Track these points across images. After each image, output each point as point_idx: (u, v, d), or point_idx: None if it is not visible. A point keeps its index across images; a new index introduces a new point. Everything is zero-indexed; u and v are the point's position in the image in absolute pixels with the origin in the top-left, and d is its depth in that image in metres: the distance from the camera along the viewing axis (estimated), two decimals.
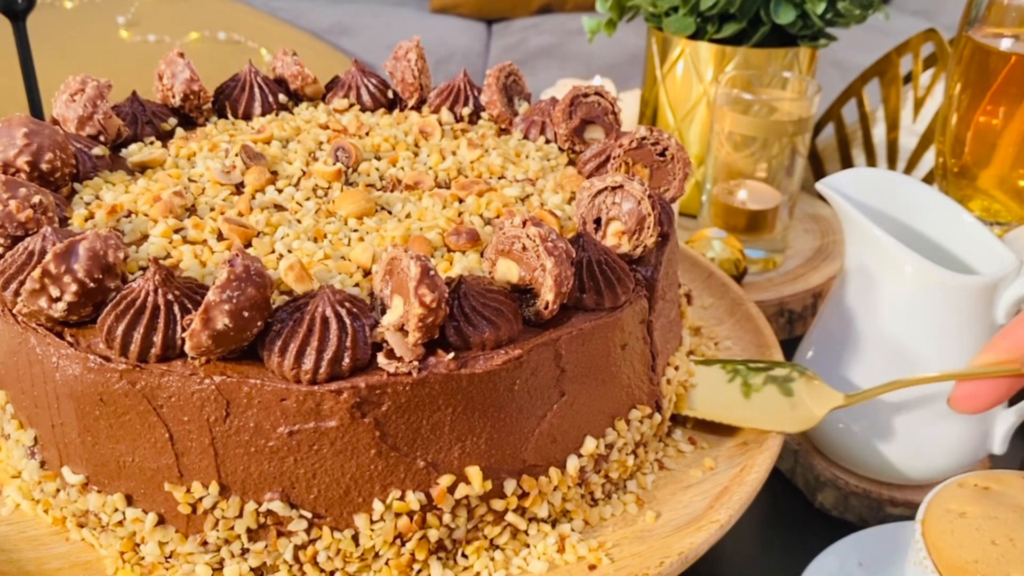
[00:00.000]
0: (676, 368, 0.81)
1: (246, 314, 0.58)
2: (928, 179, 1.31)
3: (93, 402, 0.63)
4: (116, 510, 0.65)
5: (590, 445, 0.71)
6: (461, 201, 0.81)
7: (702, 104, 1.28)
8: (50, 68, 1.13)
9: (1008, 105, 0.93)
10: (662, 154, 0.82)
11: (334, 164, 0.82)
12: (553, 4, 2.94)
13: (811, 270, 1.23)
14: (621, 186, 0.73)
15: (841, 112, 1.44)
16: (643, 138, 0.81)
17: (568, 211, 0.80)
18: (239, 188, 0.79)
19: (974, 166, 0.98)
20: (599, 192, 0.74)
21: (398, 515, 0.64)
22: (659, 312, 0.77)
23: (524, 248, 0.65)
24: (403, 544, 0.65)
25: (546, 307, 0.65)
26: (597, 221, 0.75)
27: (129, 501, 0.65)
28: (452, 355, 0.62)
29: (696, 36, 1.23)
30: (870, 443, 0.85)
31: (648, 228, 0.72)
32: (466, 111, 0.97)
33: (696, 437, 0.81)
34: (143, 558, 0.66)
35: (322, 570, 0.65)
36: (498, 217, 0.78)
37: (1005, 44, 0.92)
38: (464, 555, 0.68)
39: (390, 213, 0.78)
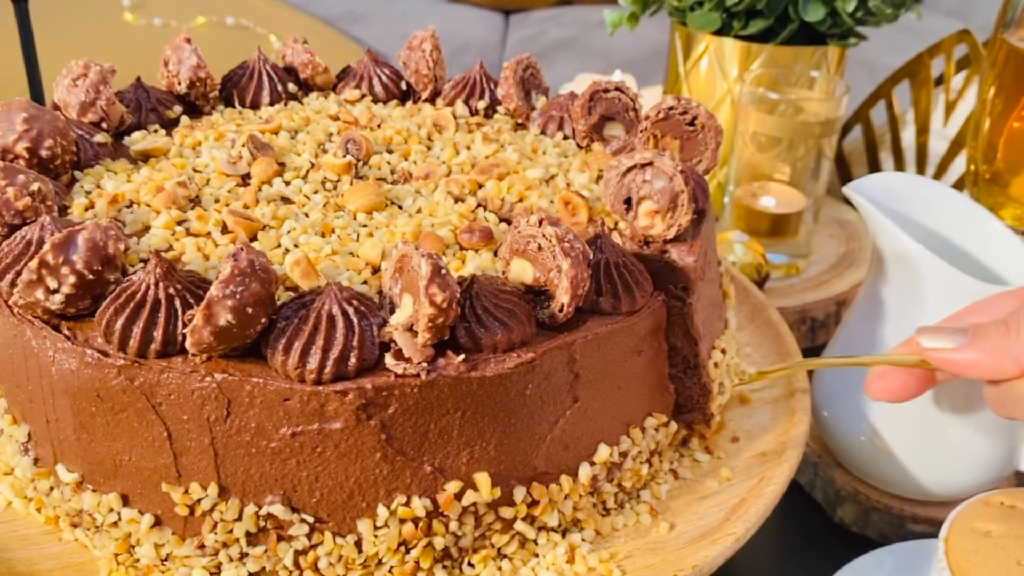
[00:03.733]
0: (723, 352, 0.80)
1: (250, 310, 0.58)
2: (958, 185, 1.30)
3: (90, 398, 0.62)
4: (111, 510, 0.65)
5: (603, 453, 0.70)
6: (481, 186, 0.79)
7: (726, 103, 1.27)
8: (52, 52, 1.12)
9: None
10: (691, 124, 0.79)
11: (344, 156, 0.82)
12: None
13: (835, 277, 1.22)
14: (651, 163, 0.70)
15: (869, 114, 1.43)
16: (670, 108, 0.79)
17: (596, 191, 0.78)
18: (245, 179, 0.79)
19: (1007, 173, 0.97)
20: (628, 170, 0.71)
21: (403, 521, 0.63)
22: (700, 294, 0.74)
23: (540, 248, 0.64)
24: (407, 551, 0.64)
25: (561, 309, 0.64)
26: (627, 201, 0.72)
27: (125, 501, 0.65)
28: (462, 357, 0.61)
29: (721, 32, 1.23)
30: (892, 457, 0.84)
31: (682, 206, 0.70)
32: (482, 104, 0.96)
33: (713, 447, 0.80)
34: (138, 560, 0.65)
35: None
36: (520, 201, 0.77)
37: None
38: (470, 564, 0.67)
39: (401, 208, 0.77)
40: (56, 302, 0.61)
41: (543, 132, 0.93)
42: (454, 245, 0.72)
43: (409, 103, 0.98)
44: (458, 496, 0.64)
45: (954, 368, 0.64)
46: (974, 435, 0.82)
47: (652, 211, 0.71)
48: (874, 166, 1.45)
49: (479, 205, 0.78)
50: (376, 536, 0.63)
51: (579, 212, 0.75)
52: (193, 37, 0.94)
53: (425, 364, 0.60)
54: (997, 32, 0.96)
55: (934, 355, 0.64)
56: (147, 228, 0.71)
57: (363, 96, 0.98)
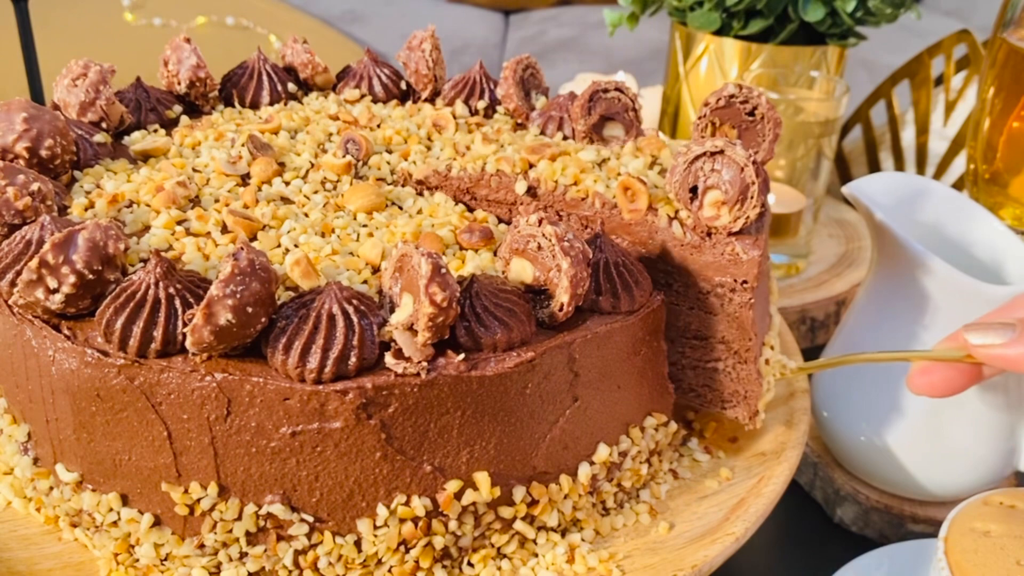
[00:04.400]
0: (772, 347, 0.79)
1: (250, 310, 0.57)
2: (958, 185, 1.30)
3: (89, 398, 0.62)
4: (111, 510, 0.65)
5: (603, 453, 0.70)
6: (532, 166, 0.78)
7: None
8: (52, 51, 1.12)
9: None
10: (751, 113, 0.78)
11: (344, 156, 0.82)
12: None
13: (835, 277, 1.22)
14: (722, 151, 0.68)
15: (869, 114, 1.43)
16: (731, 96, 0.78)
17: (652, 178, 0.76)
18: (245, 179, 0.79)
19: (1006, 173, 0.97)
20: (697, 157, 0.69)
21: (403, 521, 0.63)
22: (759, 292, 0.73)
23: (539, 247, 0.64)
24: (407, 551, 0.64)
25: (561, 309, 0.64)
26: (693, 190, 0.70)
27: (124, 501, 0.65)
28: (462, 356, 0.61)
29: (721, 32, 1.23)
30: (892, 457, 0.84)
31: (751, 198, 0.68)
32: (481, 104, 0.96)
33: (712, 447, 0.80)
34: (137, 560, 0.65)
35: None
36: (575, 184, 0.75)
37: None
38: (470, 563, 0.67)
39: (401, 208, 0.78)
40: (56, 301, 0.61)
41: (543, 132, 0.92)
42: (454, 245, 0.72)
43: (409, 103, 0.98)
44: (458, 495, 0.63)
45: (1004, 364, 0.63)
46: (974, 435, 0.82)
47: (719, 202, 0.69)
48: (874, 166, 1.45)
49: (531, 188, 0.77)
50: (376, 536, 0.63)
51: (639, 199, 0.73)
52: (193, 37, 0.94)
53: (425, 363, 0.60)
54: (997, 32, 0.96)
55: (982, 351, 0.63)
56: (147, 228, 0.71)
57: (363, 96, 0.98)
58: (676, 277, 0.75)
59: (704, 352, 0.77)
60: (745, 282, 0.71)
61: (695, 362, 0.78)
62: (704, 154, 0.69)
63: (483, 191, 0.79)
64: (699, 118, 0.79)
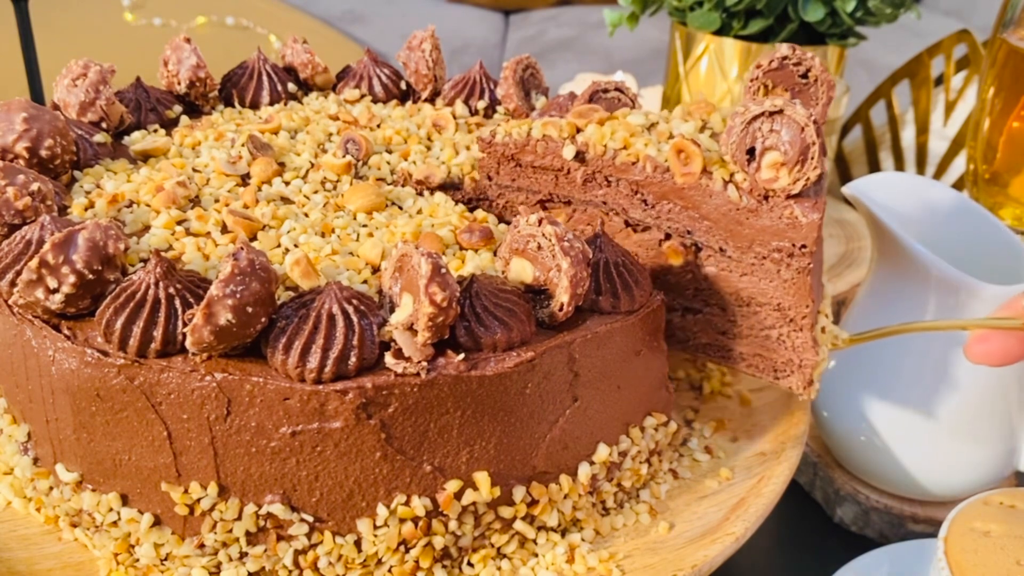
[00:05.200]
0: (827, 316, 0.77)
1: (250, 310, 0.58)
2: (958, 185, 1.30)
3: (89, 397, 0.62)
4: (111, 510, 0.65)
5: (603, 452, 0.70)
6: (580, 131, 0.76)
7: (726, 102, 1.27)
8: (52, 51, 1.12)
9: None
10: (804, 76, 0.76)
11: (344, 156, 0.82)
12: None
13: (835, 277, 1.21)
14: (781, 111, 0.66)
15: (869, 114, 1.43)
16: (784, 58, 0.76)
17: (704, 141, 0.73)
18: (245, 179, 0.78)
19: (1006, 173, 0.97)
20: (755, 118, 0.67)
21: (402, 521, 0.63)
22: (816, 257, 0.71)
23: (539, 247, 0.64)
24: (407, 551, 0.64)
25: (560, 309, 0.64)
26: (750, 151, 0.68)
27: (124, 501, 0.65)
28: (462, 356, 0.61)
29: (721, 32, 1.23)
30: (892, 457, 0.84)
31: (812, 159, 0.65)
32: (481, 104, 0.96)
33: (712, 446, 0.80)
34: (137, 560, 0.65)
35: None
36: (625, 148, 0.73)
37: None
38: (470, 563, 0.67)
39: (401, 208, 0.77)
40: (56, 301, 0.61)
41: None
42: (454, 245, 0.72)
43: (409, 103, 0.98)
44: (458, 495, 0.63)
45: None
46: (974, 435, 0.82)
47: (777, 163, 0.67)
48: (874, 166, 1.45)
49: (580, 153, 0.75)
50: (376, 535, 0.63)
51: (692, 161, 0.71)
52: (193, 37, 0.94)
53: (425, 363, 0.60)
54: (997, 32, 0.96)
55: None
56: (147, 228, 0.71)
57: (363, 96, 0.98)
58: (730, 242, 0.73)
59: (757, 320, 0.75)
60: (804, 246, 0.69)
61: (747, 330, 0.76)
62: (762, 114, 0.67)
63: (528, 157, 0.77)
64: (751, 80, 0.77)
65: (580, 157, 0.75)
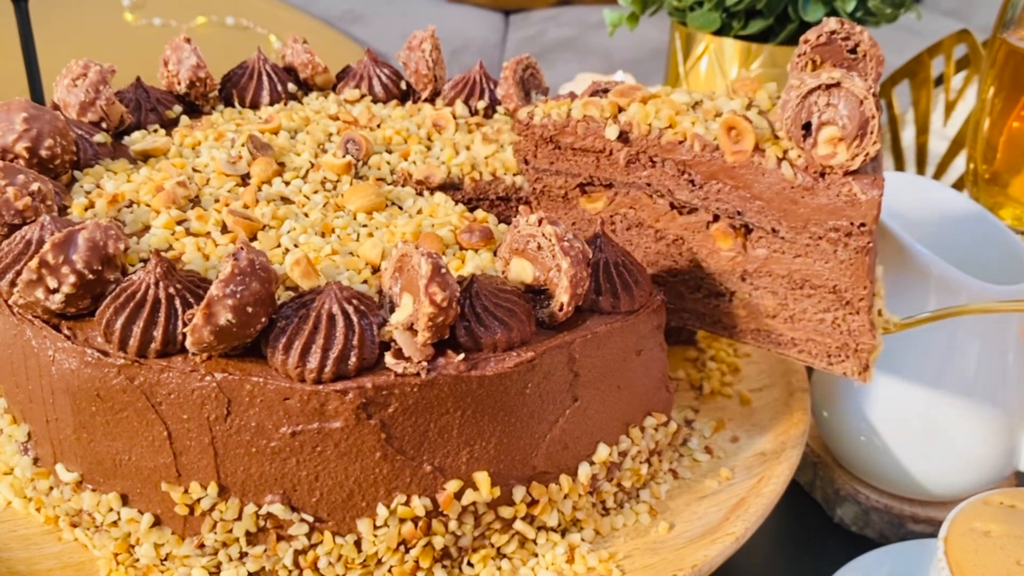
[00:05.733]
0: (882, 298, 0.75)
1: (250, 310, 0.58)
2: (958, 185, 1.30)
3: (89, 398, 0.62)
4: (111, 510, 0.65)
5: (603, 452, 0.70)
6: (622, 110, 0.73)
7: None
8: (52, 51, 1.12)
9: None
10: (853, 51, 0.74)
11: (344, 156, 0.82)
12: None
13: None
14: (838, 84, 0.63)
15: None
16: (832, 32, 0.73)
17: (754, 119, 0.71)
18: (245, 179, 0.78)
19: (1006, 173, 0.97)
20: (811, 91, 0.65)
21: (402, 521, 0.63)
22: (873, 237, 0.69)
23: (539, 247, 0.64)
24: (407, 551, 0.64)
25: (560, 309, 0.64)
26: (806, 126, 0.65)
27: (124, 501, 0.65)
28: (462, 356, 0.61)
29: (721, 32, 1.22)
30: (892, 457, 0.84)
31: (871, 133, 0.63)
32: (481, 104, 0.96)
33: (712, 446, 0.80)
34: (137, 560, 0.65)
35: None
36: (670, 127, 0.71)
37: None
38: (470, 563, 0.67)
39: (401, 208, 0.77)
40: (56, 301, 0.61)
41: None
42: (454, 245, 0.72)
43: (409, 103, 0.98)
44: (458, 495, 0.63)
45: None
46: (974, 435, 0.82)
47: (835, 138, 0.64)
48: None
49: (624, 133, 0.73)
50: (376, 536, 0.63)
51: (744, 139, 0.68)
52: (193, 37, 0.93)
53: (425, 363, 0.60)
54: (997, 32, 0.96)
55: None
56: (147, 228, 0.71)
57: (363, 96, 0.98)
58: (783, 222, 0.70)
59: (811, 303, 0.72)
60: (863, 225, 0.66)
61: (799, 314, 0.73)
62: (819, 87, 0.64)
63: (568, 138, 0.75)
64: (799, 56, 0.74)
65: (623, 137, 0.73)
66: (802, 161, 0.67)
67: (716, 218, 0.74)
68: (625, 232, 0.79)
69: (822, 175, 0.67)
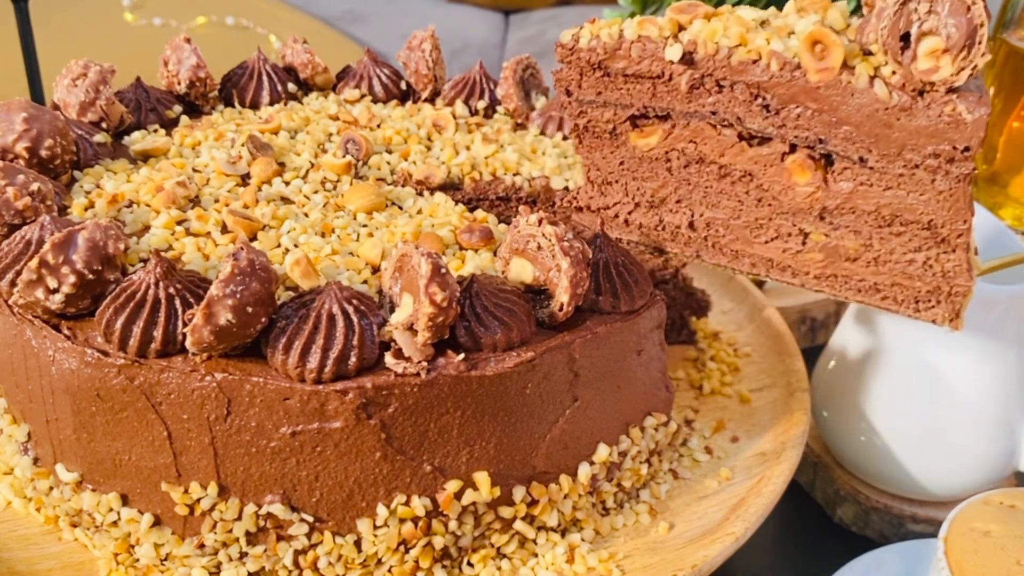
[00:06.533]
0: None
1: (250, 310, 0.58)
2: None
3: (89, 398, 0.62)
4: (111, 510, 0.65)
5: (603, 452, 0.70)
6: (683, 28, 0.66)
7: None
8: (52, 51, 1.12)
9: None
10: None
11: (344, 156, 0.82)
12: None
13: None
14: None
15: None
16: None
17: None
18: (245, 179, 0.78)
19: (1006, 173, 0.97)
20: None
21: (402, 521, 0.63)
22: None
23: (539, 247, 0.64)
24: (407, 551, 0.64)
25: (560, 309, 0.64)
26: (904, 38, 0.59)
27: (124, 501, 0.65)
28: (462, 356, 0.61)
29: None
30: (892, 457, 0.84)
31: (979, 44, 0.57)
32: (481, 104, 0.96)
33: (712, 446, 0.80)
34: (137, 560, 0.65)
35: None
36: (741, 46, 0.64)
37: None
38: (470, 563, 0.67)
39: (401, 208, 0.77)
40: (56, 301, 0.61)
41: (543, 132, 0.92)
42: (454, 245, 0.72)
43: (409, 103, 0.98)
44: (458, 495, 0.63)
45: None
46: (974, 435, 0.81)
47: (938, 50, 0.58)
48: None
49: (687, 54, 0.66)
50: (376, 535, 0.63)
51: (830, 54, 0.61)
52: (193, 37, 0.93)
53: (425, 363, 0.60)
54: (997, 32, 0.96)
55: None
56: (147, 228, 0.71)
57: (363, 96, 0.97)
58: (873, 150, 0.64)
59: (900, 242, 0.66)
60: (967, 149, 0.60)
61: (885, 256, 0.67)
62: None
63: (620, 63, 0.68)
64: None
65: (687, 59, 0.66)
66: (898, 78, 0.60)
67: (793, 148, 0.67)
68: (683, 170, 0.72)
69: (921, 93, 0.60)
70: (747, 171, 0.68)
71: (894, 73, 0.61)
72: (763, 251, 0.72)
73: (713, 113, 0.68)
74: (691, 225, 0.74)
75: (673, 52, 0.66)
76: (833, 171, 0.66)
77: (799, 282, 0.71)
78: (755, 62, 0.65)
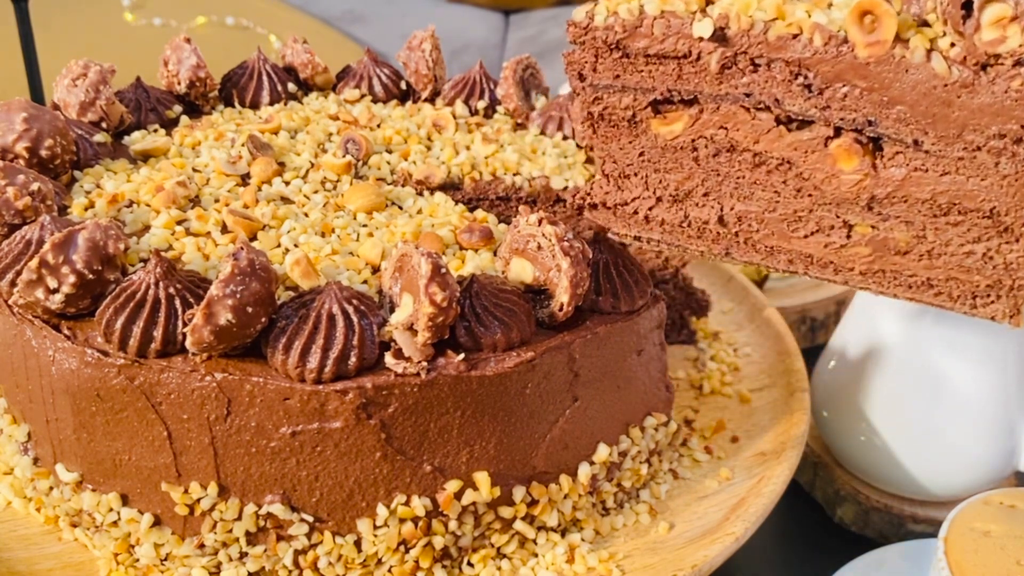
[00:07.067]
0: None
1: (250, 310, 0.58)
2: None
3: (89, 398, 0.62)
4: (111, 510, 0.65)
5: (603, 452, 0.70)
6: (711, 2, 0.61)
7: None
8: (52, 51, 1.11)
9: None
10: None
11: (344, 156, 0.82)
12: None
13: None
14: None
15: None
16: None
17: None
18: (245, 179, 0.78)
19: None
20: None
21: (402, 521, 0.63)
22: None
23: (539, 247, 0.64)
24: (407, 551, 0.64)
25: (561, 309, 0.64)
26: (966, 6, 0.53)
27: (124, 501, 0.65)
28: (462, 356, 0.61)
29: None
30: (892, 457, 0.84)
31: None
32: (481, 104, 0.96)
33: (712, 446, 0.80)
34: (137, 560, 0.65)
35: None
36: (777, 19, 0.59)
37: None
38: (470, 563, 0.67)
39: (401, 208, 0.77)
40: (56, 301, 0.61)
41: (543, 132, 0.92)
42: (454, 245, 0.72)
43: (409, 103, 0.98)
44: (458, 495, 0.64)
45: None
46: (974, 435, 0.82)
47: (1004, 18, 0.52)
48: None
49: (718, 29, 0.60)
50: (376, 536, 0.63)
51: (882, 26, 0.56)
52: (193, 37, 0.93)
53: (425, 363, 0.60)
54: None
55: None
56: (147, 228, 0.71)
57: (363, 96, 0.97)
58: (930, 131, 0.58)
59: (957, 232, 0.61)
60: None
61: (940, 248, 0.62)
62: None
63: (641, 42, 0.62)
64: None
65: (718, 35, 0.60)
66: (958, 51, 0.55)
67: (838, 132, 0.61)
68: (711, 160, 0.66)
69: (985, 67, 0.54)
70: (785, 159, 0.63)
71: (953, 45, 0.55)
72: (802, 246, 0.66)
73: (747, 95, 0.62)
74: (720, 220, 0.68)
75: (703, 28, 0.60)
76: (883, 156, 0.61)
77: (842, 279, 0.66)
78: (795, 37, 0.59)
